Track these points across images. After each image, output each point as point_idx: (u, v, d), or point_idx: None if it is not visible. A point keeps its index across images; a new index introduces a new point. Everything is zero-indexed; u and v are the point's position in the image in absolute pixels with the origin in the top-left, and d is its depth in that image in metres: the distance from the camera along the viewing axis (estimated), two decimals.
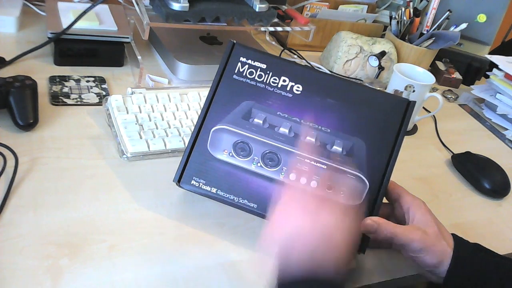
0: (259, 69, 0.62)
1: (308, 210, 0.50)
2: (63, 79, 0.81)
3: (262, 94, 0.62)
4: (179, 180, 0.60)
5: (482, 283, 0.56)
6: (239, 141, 0.60)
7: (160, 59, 0.95)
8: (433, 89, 1.12)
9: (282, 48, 1.11)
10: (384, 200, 0.61)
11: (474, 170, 0.84)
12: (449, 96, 1.12)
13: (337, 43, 1.05)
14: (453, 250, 0.56)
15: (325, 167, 0.59)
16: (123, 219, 0.60)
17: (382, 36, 1.16)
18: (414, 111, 0.74)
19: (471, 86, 1.12)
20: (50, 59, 0.85)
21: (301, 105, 0.61)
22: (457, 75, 1.18)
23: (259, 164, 0.60)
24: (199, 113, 0.75)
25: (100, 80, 0.83)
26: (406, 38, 1.08)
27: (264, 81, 0.62)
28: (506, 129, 1.03)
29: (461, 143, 0.95)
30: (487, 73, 1.10)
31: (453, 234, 0.59)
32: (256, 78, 0.62)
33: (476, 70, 1.20)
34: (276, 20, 0.95)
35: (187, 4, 0.81)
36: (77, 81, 0.81)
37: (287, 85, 0.62)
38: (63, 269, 0.52)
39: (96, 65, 0.87)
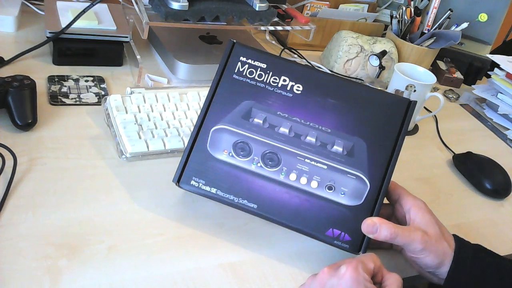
0: (259, 69, 0.62)
1: None
2: (62, 78, 0.81)
3: (262, 93, 0.61)
4: (178, 180, 0.60)
5: (482, 285, 0.56)
6: (239, 141, 0.60)
7: (159, 58, 0.94)
8: (434, 89, 1.12)
9: (282, 48, 1.10)
10: (385, 201, 0.61)
11: (475, 170, 0.83)
12: (450, 96, 1.12)
13: (338, 42, 1.05)
14: (454, 251, 0.56)
15: (326, 167, 0.59)
16: (122, 220, 0.59)
17: (383, 35, 1.16)
18: (415, 111, 0.74)
19: (473, 86, 1.12)
20: (49, 59, 0.85)
21: (302, 105, 0.61)
22: (458, 75, 1.17)
23: (259, 164, 0.59)
24: (198, 113, 0.75)
25: (99, 80, 0.83)
26: (407, 37, 1.08)
27: (264, 80, 0.62)
28: (508, 129, 1.03)
29: (462, 143, 0.95)
30: (489, 72, 1.10)
31: (454, 235, 0.59)
32: (256, 77, 0.62)
33: (477, 70, 1.19)
34: (276, 19, 0.94)
35: (187, 3, 0.81)
36: (76, 80, 0.81)
37: (287, 84, 0.62)
38: (62, 270, 0.51)
39: (95, 65, 0.86)
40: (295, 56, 1.10)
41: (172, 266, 0.55)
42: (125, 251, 0.55)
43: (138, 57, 0.86)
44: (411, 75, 0.89)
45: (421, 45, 1.05)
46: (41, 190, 0.60)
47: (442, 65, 1.19)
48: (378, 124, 0.61)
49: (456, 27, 1.06)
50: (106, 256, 0.54)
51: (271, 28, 0.94)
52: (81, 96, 0.78)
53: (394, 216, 0.62)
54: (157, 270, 0.54)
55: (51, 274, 0.51)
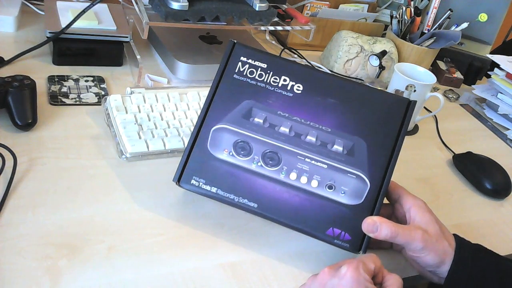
0: (259, 69, 0.62)
1: None
2: (62, 78, 0.81)
3: (263, 93, 0.61)
4: (179, 179, 0.60)
5: (482, 284, 0.56)
6: (240, 140, 0.60)
7: (159, 58, 0.94)
8: (434, 89, 1.12)
9: (282, 48, 1.10)
10: (385, 201, 0.61)
11: (475, 170, 0.83)
12: (450, 96, 1.12)
13: (338, 42, 1.05)
14: (455, 250, 0.56)
15: (326, 166, 0.59)
16: (122, 220, 0.59)
17: (383, 35, 1.16)
18: (415, 111, 0.74)
19: (473, 86, 1.12)
20: (49, 59, 0.85)
21: (302, 105, 0.61)
22: (458, 75, 1.17)
23: (259, 164, 0.59)
24: (198, 113, 0.75)
25: (99, 80, 0.83)
26: (407, 37, 1.08)
27: (265, 80, 0.62)
28: (508, 129, 1.03)
29: (462, 143, 0.95)
30: (489, 72, 1.10)
31: (454, 235, 0.59)
32: (256, 77, 0.62)
33: (477, 70, 1.19)
34: (276, 19, 0.94)
35: (187, 3, 0.81)
36: (76, 80, 0.81)
37: (288, 84, 0.62)
38: (62, 270, 0.51)
39: (95, 65, 0.86)
40: (295, 56, 1.10)
41: (172, 266, 0.55)
42: (125, 251, 0.55)
43: (138, 57, 0.86)
44: (411, 75, 0.89)
45: (421, 45, 1.05)
46: (41, 190, 0.60)
47: (442, 65, 1.19)
48: (378, 123, 0.61)
49: (456, 27, 1.06)
50: (106, 256, 0.54)
51: (271, 28, 0.94)
52: (81, 96, 0.78)
53: (394, 215, 0.62)
54: (157, 270, 0.54)
55: (51, 274, 0.51)
